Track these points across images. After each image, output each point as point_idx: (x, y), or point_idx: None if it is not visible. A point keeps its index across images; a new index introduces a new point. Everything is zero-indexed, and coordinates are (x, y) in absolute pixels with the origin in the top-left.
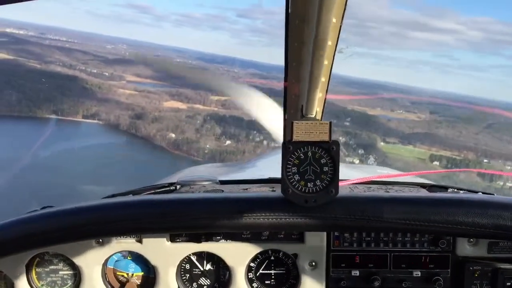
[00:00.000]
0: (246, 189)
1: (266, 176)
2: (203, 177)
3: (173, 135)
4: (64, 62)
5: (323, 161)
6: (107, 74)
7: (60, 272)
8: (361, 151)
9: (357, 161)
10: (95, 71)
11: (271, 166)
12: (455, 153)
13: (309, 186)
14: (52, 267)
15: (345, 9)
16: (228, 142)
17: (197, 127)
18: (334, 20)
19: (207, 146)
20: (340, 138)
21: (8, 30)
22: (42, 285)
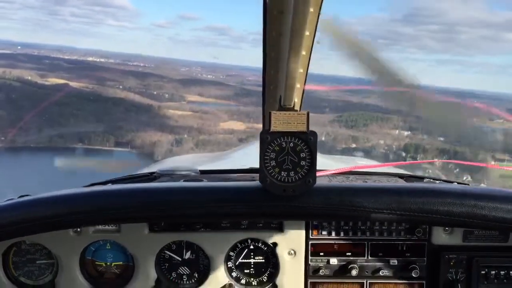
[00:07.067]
0: (227, 179)
1: (247, 166)
2: (183, 167)
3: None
4: (124, 85)
5: (300, 151)
6: (167, 95)
7: (38, 262)
8: (466, 177)
9: None
10: (154, 93)
11: (252, 156)
12: None
13: (287, 176)
14: (29, 256)
15: None
16: None
17: None
18: (311, 9)
19: None
20: (436, 160)
21: (90, 59)
22: (19, 274)
